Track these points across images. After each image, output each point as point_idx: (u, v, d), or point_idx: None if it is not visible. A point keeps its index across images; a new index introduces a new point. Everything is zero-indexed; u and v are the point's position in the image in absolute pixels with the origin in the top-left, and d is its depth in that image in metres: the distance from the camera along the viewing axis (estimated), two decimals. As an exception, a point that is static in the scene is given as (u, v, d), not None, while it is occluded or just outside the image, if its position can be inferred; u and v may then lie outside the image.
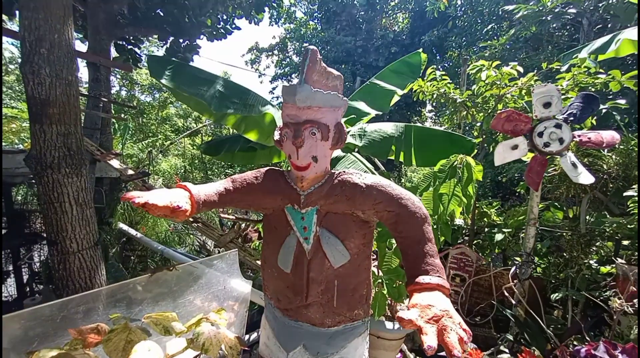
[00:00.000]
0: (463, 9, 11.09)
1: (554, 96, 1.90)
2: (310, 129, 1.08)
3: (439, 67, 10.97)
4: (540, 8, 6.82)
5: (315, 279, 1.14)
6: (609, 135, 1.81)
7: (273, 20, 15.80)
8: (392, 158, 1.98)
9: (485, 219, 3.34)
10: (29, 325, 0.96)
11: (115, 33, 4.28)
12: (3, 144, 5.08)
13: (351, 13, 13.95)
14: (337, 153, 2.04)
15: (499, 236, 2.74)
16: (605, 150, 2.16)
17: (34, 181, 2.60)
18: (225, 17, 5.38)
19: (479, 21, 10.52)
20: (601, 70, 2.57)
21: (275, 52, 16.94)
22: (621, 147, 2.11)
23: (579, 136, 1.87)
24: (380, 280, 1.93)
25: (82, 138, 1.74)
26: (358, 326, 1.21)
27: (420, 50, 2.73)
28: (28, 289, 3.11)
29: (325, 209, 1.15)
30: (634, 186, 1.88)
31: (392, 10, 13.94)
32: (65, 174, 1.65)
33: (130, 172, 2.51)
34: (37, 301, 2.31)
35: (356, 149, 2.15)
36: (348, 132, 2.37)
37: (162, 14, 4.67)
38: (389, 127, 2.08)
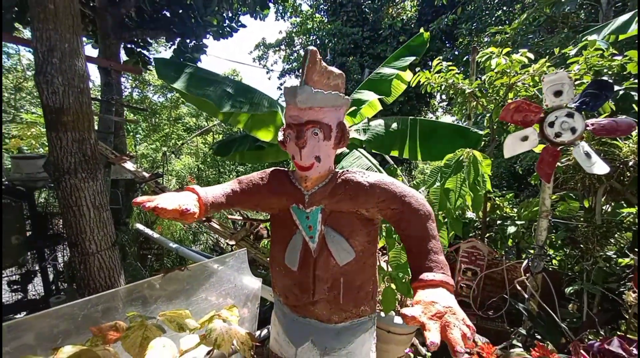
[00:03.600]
0: None
1: (565, 84, 1.84)
2: (313, 130, 1.09)
3: (449, 55, 10.66)
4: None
5: (322, 277, 1.16)
6: (625, 123, 1.74)
7: (279, 14, 15.71)
8: (396, 154, 1.97)
9: (498, 211, 3.27)
10: (54, 323, 1.02)
11: (124, 37, 4.37)
12: (25, 149, 5.29)
13: (357, 3, 13.68)
14: (342, 149, 2.04)
15: (511, 229, 2.69)
16: (622, 137, 2.08)
17: (52, 185, 2.73)
18: (230, 15, 5.40)
19: (490, 5, 10.16)
20: (614, 51, 2.46)
21: (283, 47, 16.84)
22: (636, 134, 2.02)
23: (592, 124, 1.80)
24: (389, 275, 1.94)
25: (96, 143, 1.81)
26: (365, 322, 1.23)
27: (422, 29, 2.68)
28: (54, 287, 3.28)
29: (330, 208, 1.16)
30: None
31: None
32: (82, 178, 1.72)
33: (145, 174, 2.59)
34: (62, 299, 2.44)
35: (363, 145, 2.14)
36: (352, 127, 2.36)
37: (168, 15, 4.74)
38: (394, 122, 2.06)
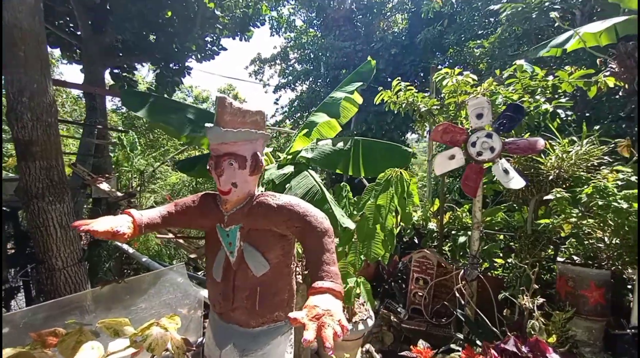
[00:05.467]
0: (460, 6, 11.10)
1: (485, 108, 2.06)
2: (228, 161, 1.29)
3: (439, 66, 10.95)
4: (524, 7, 6.86)
5: (240, 287, 1.35)
6: (536, 142, 1.94)
7: (274, 30, 16.18)
8: (341, 171, 2.16)
9: (456, 222, 3.45)
10: None
11: (108, 63, 4.65)
12: (11, 173, 5.46)
13: (349, 18, 14.09)
14: (290, 168, 2.24)
15: (462, 239, 2.87)
16: (543, 154, 2.28)
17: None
18: (212, 39, 5.72)
19: (476, 18, 10.52)
20: (539, 71, 2.69)
21: (278, 61, 17.22)
22: (557, 150, 2.23)
23: (509, 144, 2.01)
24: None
25: (63, 169, 2.02)
26: (281, 326, 1.40)
27: (370, 58, 2.95)
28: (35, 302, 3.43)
29: (248, 227, 1.36)
30: (555, 190, 2.00)
31: (390, 12, 14.03)
32: (49, 202, 1.93)
33: (118, 193, 2.78)
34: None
35: (310, 164, 2.34)
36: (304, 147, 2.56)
37: (152, 41, 5.04)
38: (339, 142, 2.27)
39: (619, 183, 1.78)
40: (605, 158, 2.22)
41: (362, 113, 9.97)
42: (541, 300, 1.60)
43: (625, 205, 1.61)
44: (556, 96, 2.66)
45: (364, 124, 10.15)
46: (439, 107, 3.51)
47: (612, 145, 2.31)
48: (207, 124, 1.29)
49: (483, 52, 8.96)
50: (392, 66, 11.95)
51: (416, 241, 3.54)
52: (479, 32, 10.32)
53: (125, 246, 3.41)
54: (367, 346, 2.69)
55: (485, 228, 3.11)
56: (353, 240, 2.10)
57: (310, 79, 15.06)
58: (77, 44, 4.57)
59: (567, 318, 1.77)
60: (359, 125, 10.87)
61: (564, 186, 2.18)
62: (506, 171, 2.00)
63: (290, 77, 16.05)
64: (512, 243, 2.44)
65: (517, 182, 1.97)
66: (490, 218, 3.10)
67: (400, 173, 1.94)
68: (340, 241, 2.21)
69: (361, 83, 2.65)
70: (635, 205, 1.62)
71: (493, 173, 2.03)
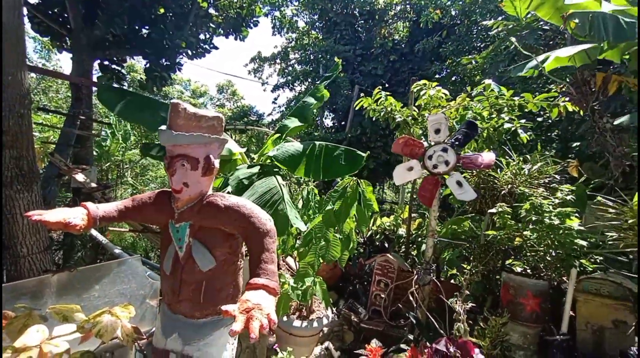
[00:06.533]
0: (459, 18, 11.26)
1: (442, 124, 2.18)
2: (181, 162, 1.38)
3: (438, 74, 11.11)
4: (515, 25, 7.06)
5: (187, 280, 1.44)
6: (487, 157, 2.07)
7: (276, 30, 16.22)
8: (302, 174, 2.26)
9: (423, 229, 3.59)
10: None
11: (98, 55, 4.69)
12: None
13: (351, 23, 14.18)
14: (256, 169, 2.34)
15: (424, 245, 2.99)
16: (498, 170, 2.42)
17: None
18: (204, 38, 5.78)
19: (474, 31, 10.69)
20: (505, 91, 2.85)
21: (278, 61, 17.23)
22: (512, 165, 2.37)
23: (463, 158, 2.13)
24: (287, 283, 2.21)
25: (34, 159, 2.09)
26: (224, 319, 1.50)
27: (337, 59, 3.11)
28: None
29: (198, 224, 1.45)
30: (498, 204, 2.14)
31: (392, 19, 14.15)
32: (17, 190, 1.99)
33: (93, 184, 2.84)
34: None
35: (270, 161, 2.44)
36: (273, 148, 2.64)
37: (143, 36, 5.09)
38: (304, 145, 2.38)
39: (557, 200, 1.91)
40: (557, 176, 2.37)
41: (357, 116, 10.08)
42: (470, 305, 1.73)
43: (557, 221, 1.74)
44: (522, 115, 2.81)
45: (359, 127, 10.23)
46: (414, 118, 3.65)
47: (565, 165, 2.46)
48: (161, 127, 1.38)
49: (475, 67, 9.14)
50: (391, 73, 12.06)
51: (386, 245, 3.66)
52: (477, 44, 10.48)
53: (100, 237, 3.47)
54: (327, 343, 2.79)
55: (452, 236, 3.25)
56: (314, 241, 2.20)
57: (309, 80, 15.16)
58: (67, 34, 4.60)
59: (503, 323, 1.89)
60: (353, 128, 10.96)
61: (516, 201, 2.32)
62: (459, 184, 2.12)
63: (290, 77, 16.10)
64: (465, 252, 2.58)
65: (468, 194, 2.09)
66: (455, 227, 3.24)
67: (357, 181, 2.05)
68: (302, 242, 2.31)
69: (328, 81, 2.81)
70: (568, 221, 1.76)
71: (447, 184, 2.15)
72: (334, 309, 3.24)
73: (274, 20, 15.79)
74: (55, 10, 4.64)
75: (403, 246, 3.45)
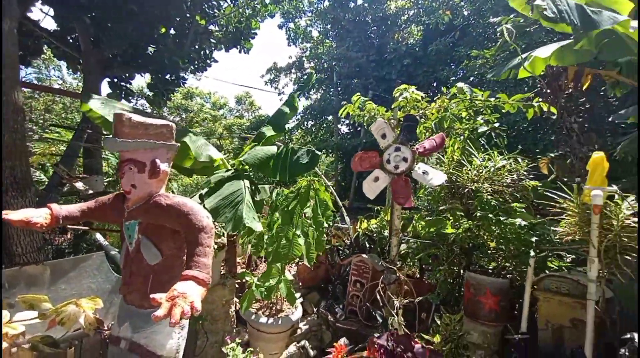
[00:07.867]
0: (472, 18, 11.05)
1: (385, 128, 2.23)
2: (128, 165, 1.54)
3: (451, 75, 10.89)
4: (522, 21, 6.92)
5: (136, 272, 1.59)
6: (439, 138, 2.08)
7: (291, 41, 16.69)
8: (270, 175, 2.36)
9: (409, 229, 3.57)
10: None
11: (106, 73, 5.11)
12: (47, 165, 5.89)
13: (363, 29, 14.25)
14: (228, 173, 2.48)
15: (403, 246, 2.99)
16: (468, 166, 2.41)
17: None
18: (204, 53, 6.13)
19: (488, 31, 10.45)
20: (477, 93, 2.83)
21: (293, 71, 17.61)
22: (475, 164, 2.36)
23: (417, 148, 2.16)
24: (251, 282, 2.31)
25: (27, 168, 2.36)
26: (171, 309, 1.62)
27: (309, 70, 3.23)
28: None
29: (146, 222, 1.60)
30: (449, 202, 2.13)
31: (405, 23, 14.06)
32: (12, 196, 2.26)
33: (90, 192, 3.12)
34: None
35: (241, 164, 2.57)
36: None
37: (148, 54, 5.50)
38: (273, 148, 2.50)
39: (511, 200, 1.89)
40: (525, 173, 2.33)
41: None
42: (405, 300, 1.74)
43: (502, 218, 1.73)
44: (501, 116, 2.79)
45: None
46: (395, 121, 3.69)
47: (534, 163, 2.41)
48: (107, 136, 1.55)
49: (483, 64, 8.95)
50: (405, 76, 11.82)
51: (371, 246, 3.67)
52: (490, 45, 10.24)
53: (101, 240, 3.75)
54: (304, 342, 2.84)
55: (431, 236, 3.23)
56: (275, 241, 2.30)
57: (324, 88, 15.37)
58: (79, 57, 5.05)
59: (458, 320, 1.89)
60: (368, 134, 11.03)
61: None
62: (425, 173, 2.14)
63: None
64: (435, 252, 2.57)
65: (438, 178, 2.10)
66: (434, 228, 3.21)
67: (313, 182, 2.14)
68: (268, 242, 2.41)
69: (299, 92, 2.93)
70: (512, 221, 1.74)
71: (415, 178, 2.18)
72: (315, 309, 3.29)
73: (288, 32, 16.25)
74: (69, 36, 5.14)
75: (376, 247, 3.47)
